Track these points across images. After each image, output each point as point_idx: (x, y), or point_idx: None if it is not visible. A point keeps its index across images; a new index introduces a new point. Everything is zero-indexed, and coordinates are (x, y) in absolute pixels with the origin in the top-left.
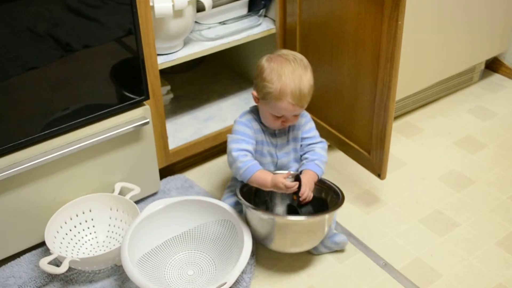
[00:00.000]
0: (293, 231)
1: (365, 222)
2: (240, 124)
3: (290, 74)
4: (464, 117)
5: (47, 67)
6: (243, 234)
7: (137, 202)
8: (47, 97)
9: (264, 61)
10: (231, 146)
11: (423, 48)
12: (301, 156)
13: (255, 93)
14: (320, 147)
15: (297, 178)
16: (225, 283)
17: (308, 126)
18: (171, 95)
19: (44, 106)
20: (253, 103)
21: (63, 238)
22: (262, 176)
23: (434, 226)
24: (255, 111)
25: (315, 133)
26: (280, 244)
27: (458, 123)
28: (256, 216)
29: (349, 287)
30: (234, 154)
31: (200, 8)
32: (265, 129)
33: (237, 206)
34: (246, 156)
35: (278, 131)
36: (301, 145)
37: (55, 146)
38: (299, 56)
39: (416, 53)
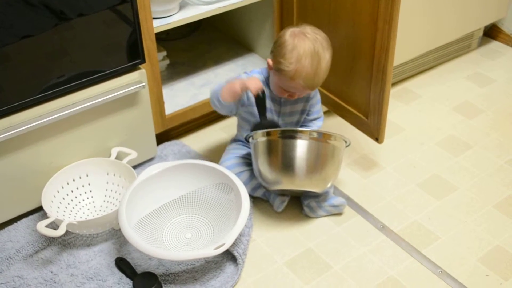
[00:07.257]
0: (313, 150)
1: (363, 186)
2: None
3: (310, 57)
4: (462, 83)
5: (41, 36)
6: (241, 197)
7: (134, 167)
8: (42, 63)
9: (288, 36)
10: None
11: (420, 13)
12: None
13: (270, 61)
14: (317, 125)
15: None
16: (223, 244)
17: (315, 100)
18: (167, 61)
19: (40, 72)
20: (250, 69)
21: (60, 203)
22: (229, 83)
23: (432, 190)
24: (265, 74)
25: (319, 106)
26: (300, 170)
27: (456, 89)
28: (282, 142)
29: (347, 249)
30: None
31: None
32: (271, 94)
33: (235, 169)
34: None
35: (284, 99)
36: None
37: (51, 109)
38: (321, 35)
39: (414, 18)
